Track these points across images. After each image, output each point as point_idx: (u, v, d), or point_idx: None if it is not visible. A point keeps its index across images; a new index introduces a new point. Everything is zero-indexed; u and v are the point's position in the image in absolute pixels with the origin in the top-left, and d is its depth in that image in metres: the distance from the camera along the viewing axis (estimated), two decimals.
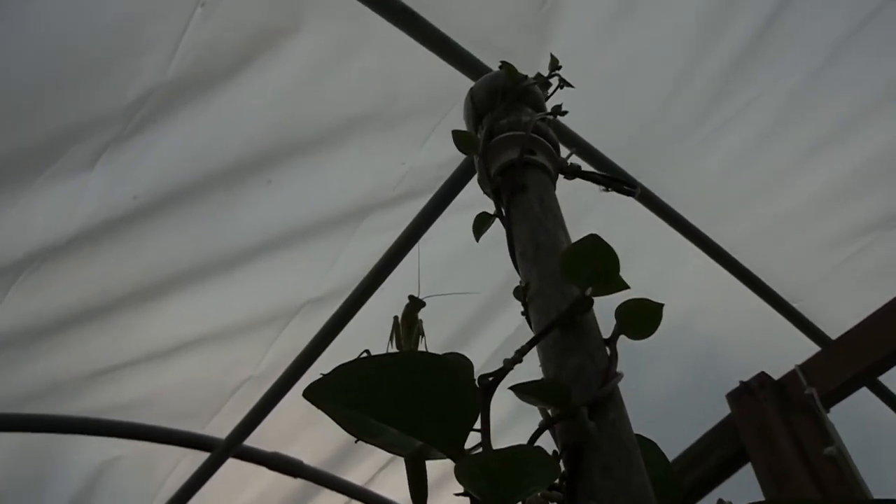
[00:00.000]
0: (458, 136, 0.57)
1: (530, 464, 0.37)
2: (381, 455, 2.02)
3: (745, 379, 1.78)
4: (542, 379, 0.45)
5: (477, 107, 0.59)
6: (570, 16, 1.35)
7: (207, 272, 1.46)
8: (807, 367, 1.77)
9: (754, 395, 1.78)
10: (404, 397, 0.41)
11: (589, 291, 0.45)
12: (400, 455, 0.48)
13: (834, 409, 1.72)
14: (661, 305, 0.48)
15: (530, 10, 1.33)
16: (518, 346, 0.47)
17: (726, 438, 1.76)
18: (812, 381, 1.74)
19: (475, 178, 1.49)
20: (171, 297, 1.49)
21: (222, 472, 1.79)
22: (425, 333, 0.63)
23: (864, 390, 1.82)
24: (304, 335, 1.67)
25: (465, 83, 1.36)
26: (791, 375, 1.77)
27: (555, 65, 0.63)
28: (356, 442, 0.46)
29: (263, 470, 1.85)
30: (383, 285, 1.61)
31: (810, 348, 1.81)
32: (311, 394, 0.42)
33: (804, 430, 1.68)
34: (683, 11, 1.41)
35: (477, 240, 0.60)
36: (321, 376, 0.42)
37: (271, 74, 1.25)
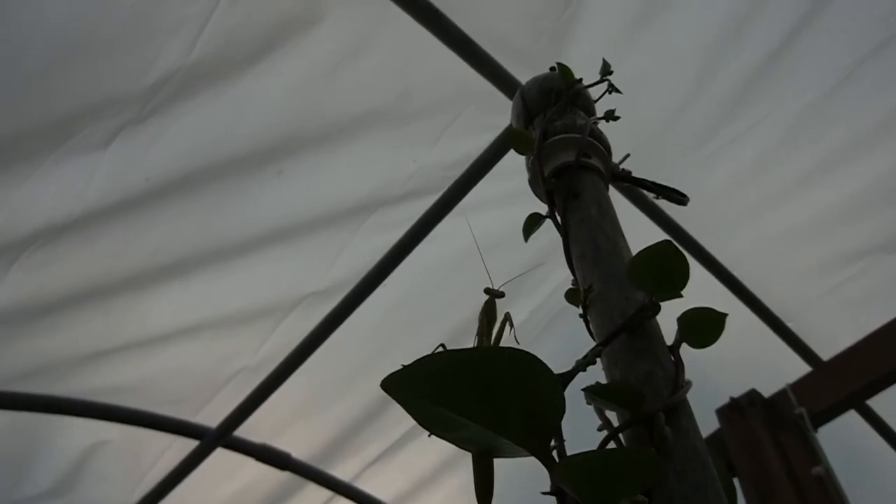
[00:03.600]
0: (513, 135, 0.57)
1: (632, 465, 0.37)
2: (369, 452, 2.02)
3: (735, 395, 1.79)
4: (615, 382, 0.45)
5: (528, 107, 0.59)
6: (588, 25, 1.36)
7: (211, 260, 1.45)
8: (797, 386, 1.79)
9: (743, 411, 1.79)
10: (487, 393, 0.40)
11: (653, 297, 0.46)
12: (470, 451, 0.48)
13: (822, 430, 1.75)
14: (725, 315, 0.48)
15: (550, 17, 1.34)
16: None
17: (713, 453, 1.77)
18: (802, 400, 1.76)
19: (483, 180, 1.50)
20: (172, 282, 1.48)
21: (210, 461, 1.78)
22: (514, 325, 0.60)
23: (853, 413, 1.85)
24: (303, 328, 1.66)
25: (481, 85, 1.37)
26: (781, 394, 1.79)
27: (606, 69, 0.64)
28: (429, 436, 0.45)
29: (251, 461, 1.84)
30: (385, 282, 1.61)
31: (801, 368, 1.82)
32: (388, 384, 0.41)
33: (792, 449, 1.70)
34: (700, 28, 1.42)
35: (526, 240, 0.60)
36: (402, 367, 0.41)
37: (290, 65, 1.25)
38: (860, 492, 1.62)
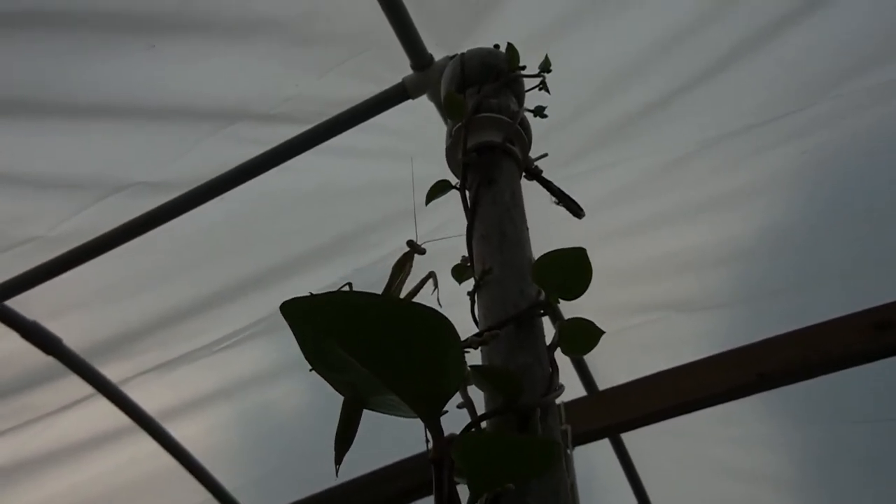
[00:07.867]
0: (450, 98, 0.56)
1: (534, 452, 0.38)
2: (145, 360, 1.92)
3: None
4: (498, 367, 0.46)
5: (466, 75, 0.59)
6: (508, 13, 1.37)
7: (45, 109, 1.29)
8: (570, 405, 1.95)
9: None
10: (394, 344, 0.39)
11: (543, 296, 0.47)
12: (345, 395, 0.46)
13: (577, 449, 1.92)
14: (602, 332, 0.51)
15: None
16: None
17: None
18: (570, 419, 1.92)
19: (357, 127, 1.47)
20: None
21: None
22: (438, 286, 0.57)
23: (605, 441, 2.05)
24: (118, 216, 1.54)
25: (387, 35, 1.34)
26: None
27: (546, 66, 0.65)
28: (310, 371, 0.42)
29: (15, 335, 1.67)
30: (224, 196, 1.53)
31: (580, 391, 1.99)
32: (288, 308, 0.38)
33: None
34: (602, 59, 1.48)
35: (426, 204, 0.59)
36: (309, 294, 0.38)
37: None
38: None
